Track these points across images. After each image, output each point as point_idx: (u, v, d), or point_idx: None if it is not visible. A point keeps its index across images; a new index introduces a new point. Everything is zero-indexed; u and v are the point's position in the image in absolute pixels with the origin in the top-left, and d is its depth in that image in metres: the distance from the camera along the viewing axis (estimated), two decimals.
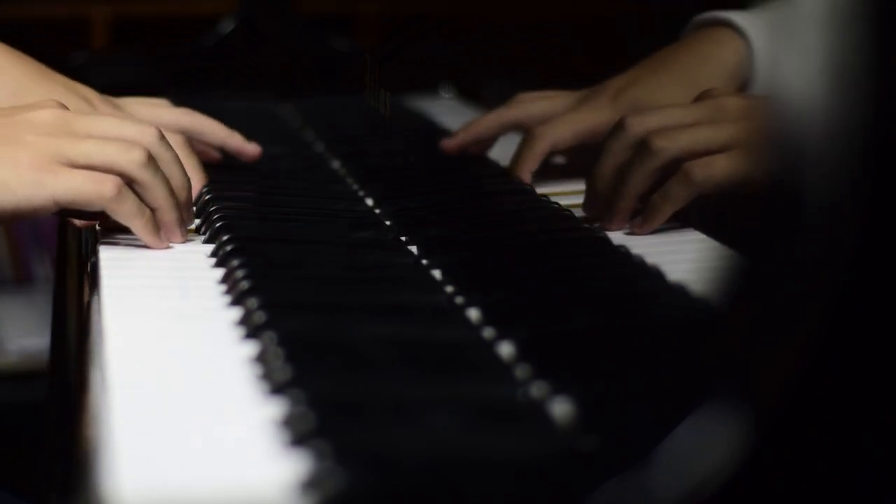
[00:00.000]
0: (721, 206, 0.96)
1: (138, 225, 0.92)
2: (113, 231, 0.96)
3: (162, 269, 0.91)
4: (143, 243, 0.95)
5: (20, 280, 2.33)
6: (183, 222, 0.95)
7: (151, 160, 0.92)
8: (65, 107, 0.94)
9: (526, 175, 1.12)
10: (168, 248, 0.94)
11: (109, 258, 0.91)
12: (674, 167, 0.96)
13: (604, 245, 0.95)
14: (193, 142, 1.14)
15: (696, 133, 0.96)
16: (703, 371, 0.52)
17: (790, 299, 0.50)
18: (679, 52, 1.17)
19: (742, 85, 1.14)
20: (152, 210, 0.93)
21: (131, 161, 0.91)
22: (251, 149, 1.18)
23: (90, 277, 0.91)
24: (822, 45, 0.50)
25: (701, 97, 1.02)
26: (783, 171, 0.51)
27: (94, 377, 0.71)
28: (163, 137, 0.95)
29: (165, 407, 0.66)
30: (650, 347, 0.69)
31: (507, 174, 1.15)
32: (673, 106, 1.02)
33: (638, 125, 0.98)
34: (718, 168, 0.94)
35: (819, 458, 0.51)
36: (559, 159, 1.20)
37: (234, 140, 1.18)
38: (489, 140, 1.22)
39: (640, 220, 0.98)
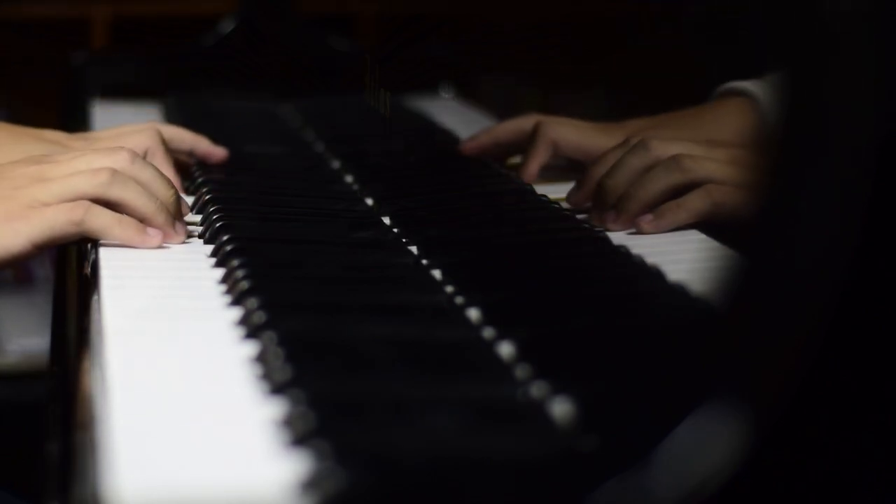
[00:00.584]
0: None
1: (118, 233, 0.93)
2: None
3: (162, 269, 0.91)
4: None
5: (20, 280, 2.33)
6: (175, 223, 0.96)
7: (118, 176, 0.94)
8: (41, 159, 0.97)
9: (534, 168, 1.13)
10: (163, 247, 0.94)
11: (109, 258, 0.91)
12: (692, 187, 0.97)
13: (604, 245, 0.95)
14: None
15: (720, 166, 0.98)
16: (703, 371, 0.52)
17: (790, 299, 0.50)
18: (701, 114, 1.19)
19: None
20: (142, 220, 0.94)
21: (98, 185, 0.93)
22: (218, 152, 1.21)
23: (90, 277, 0.91)
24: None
25: (717, 143, 1.04)
26: (783, 171, 0.51)
27: (94, 377, 0.71)
28: (135, 157, 0.97)
29: (165, 407, 0.65)
30: (650, 347, 0.69)
31: (506, 174, 1.15)
32: (695, 141, 1.04)
33: (662, 147, 1.00)
34: (737, 199, 0.96)
35: (819, 458, 0.51)
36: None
37: (201, 145, 1.21)
38: (505, 146, 1.22)
39: (651, 218, 0.98)
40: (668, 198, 0.98)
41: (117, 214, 0.94)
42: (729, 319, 0.52)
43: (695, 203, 0.97)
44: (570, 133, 1.13)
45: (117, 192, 0.94)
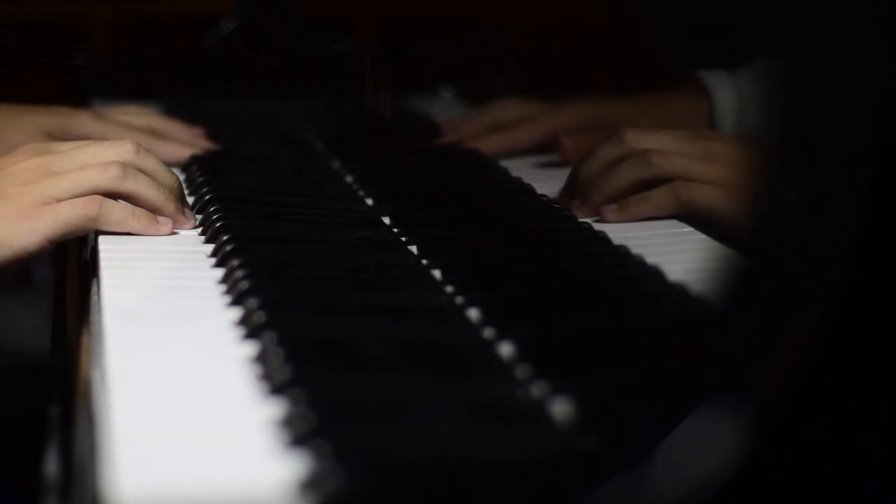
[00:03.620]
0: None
1: (133, 225, 0.96)
2: (113, 232, 0.96)
3: (162, 268, 0.91)
4: (143, 243, 0.95)
5: (20, 280, 2.33)
6: (184, 209, 0.99)
7: (128, 169, 0.96)
8: (41, 149, 0.98)
9: (466, 139, 1.19)
10: (163, 247, 0.95)
11: (109, 258, 0.91)
12: (659, 183, 0.98)
13: (604, 245, 0.95)
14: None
15: (689, 162, 0.99)
16: (703, 371, 0.52)
17: (790, 299, 0.50)
18: (659, 101, 1.21)
19: None
20: (152, 210, 0.97)
21: (110, 179, 0.95)
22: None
23: (90, 277, 0.91)
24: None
25: (695, 136, 1.05)
26: (781, 170, 0.51)
27: (94, 377, 0.71)
28: (139, 148, 0.99)
29: (165, 407, 0.66)
30: (650, 347, 0.69)
31: (507, 174, 1.15)
32: (672, 133, 1.05)
33: (636, 141, 1.01)
34: (705, 196, 0.97)
35: (819, 458, 0.51)
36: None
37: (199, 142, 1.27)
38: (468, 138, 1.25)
39: (615, 208, 1.00)
40: (633, 191, 1.00)
41: (130, 206, 0.96)
42: (729, 319, 0.52)
43: (660, 198, 0.99)
44: (529, 133, 1.18)
45: (130, 186, 0.96)
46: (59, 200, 0.94)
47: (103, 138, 1.17)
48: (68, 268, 1.05)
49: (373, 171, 1.22)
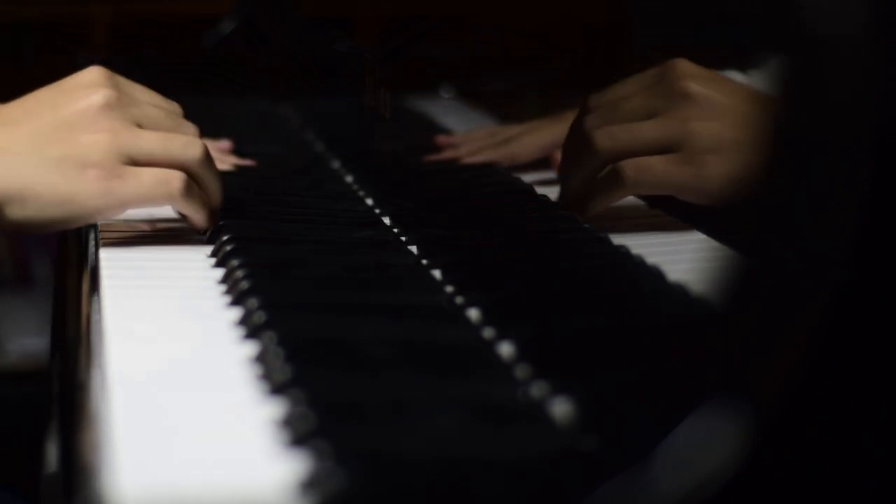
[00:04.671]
0: (720, 206, 0.96)
1: (200, 217, 0.93)
2: (113, 231, 0.96)
3: (162, 269, 0.91)
4: (143, 243, 0.95)
5: (20, 280, 2.33)
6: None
7: (209, 156, 0.93)
8: (111, 79, 0.93)
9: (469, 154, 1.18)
10: (163, 247, 0.95)
11: (109, 258, 0.91)
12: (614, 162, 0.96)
13: (604, 245, 0.95)
14: None
15: (636, 134, 0.96)
16: (703, 371, 0.52)
17: (790, 299, 0.50)
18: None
19: None
20: (206, 199, 0.94)
21: (194, 158, 0.92)
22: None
23: (90, 277, 0.91)
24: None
25: (664, 72, 1.00)
26: (782, 171, 0.51)
27: (94, 377, 0.71)
28: (209, 156, 0.95)
29: (165, 407, 0.66)
30: (650, 347, 0.69)
31: (507, 174, 1.15)
32: (630, 95, 1.01)
33: (588, 123, 0.98)
34: (653, 171, 0.94)
35: (819, 458, 0.51)
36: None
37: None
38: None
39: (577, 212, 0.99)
40: (590, 177, 0.98)
41: (203, 197, 0.93)
42: (729, 319, 0.52)
43: (604, 187, 0.96)
44: (529, 146, 1.16)
45: (206, 174, 0.93)
46: (136, 161, 0.89)
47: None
48: (68, 268, 1.05)
49: (373, 171, 1.22)
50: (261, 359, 0.70)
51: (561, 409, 0.64)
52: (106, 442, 0.60)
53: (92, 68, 0.94)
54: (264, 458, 0.59)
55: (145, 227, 0.99)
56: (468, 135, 1.25)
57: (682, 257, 0.90)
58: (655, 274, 0.85)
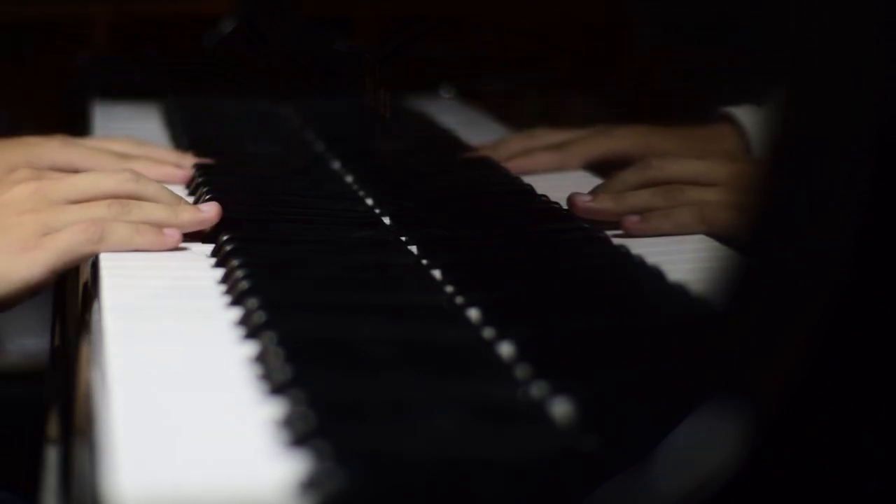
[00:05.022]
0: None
1: (139, 242, 0.93)
2: None
3: (162, 269, 0.91)
4: None
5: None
6: (199, 208, 0.96)
7: (130, 203, 0.93)
8: (37, 174, 0.95)
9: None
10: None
11: (109, 258, 0.91)
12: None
13: (604, 245, 0.95)
14: None
15: (709, 192, 0.97)
16: (703, 371, 0.52)
17: (790, 299, 0.50)
18: (694, 133, 1.20)
19: None
20: (171, 218, 0.94)
21: (116, 215, 0.92)
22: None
23: (90, 278, 0.91)
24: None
25: (720, 162, 1.03)
26: (781, 170, 0.51)
27: (94, 377, 0.71)
28: (138, 176, 0.96)
29: (165, 407, 0.66)
30: (650, 347, 0.69)
31: (507, 174, 1.15)
32: (697, 161, 1.04)
33: (660, 168, 0.99)
34: (726, 220, 0.96)
35: (819, 458, 0.51)
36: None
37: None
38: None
39: (637, 220, 0.98)
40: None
41: (132, 224, 0.93)
42: (729, 319, 0.52)
43: (683, 217, 0.97)
44: (574, 155, 1.16)
45: (137, 217, 0.93)
46: (59, 231, 0.91)
47: (72, 166, 1.11)
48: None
49: (373, 171, 1.22)
50: (261, 359, 0.70)
51: (561, 409, 0.64)
52: (106, 442, 0.60)
53: (20, 169, 0.97)
54: (264, 458, 0.59)
55: None
56: (508, 140, 1.24)
57: (682, 257, 0.90)
58: (655, 274, 0.85)
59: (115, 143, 1.21)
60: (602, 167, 1.03)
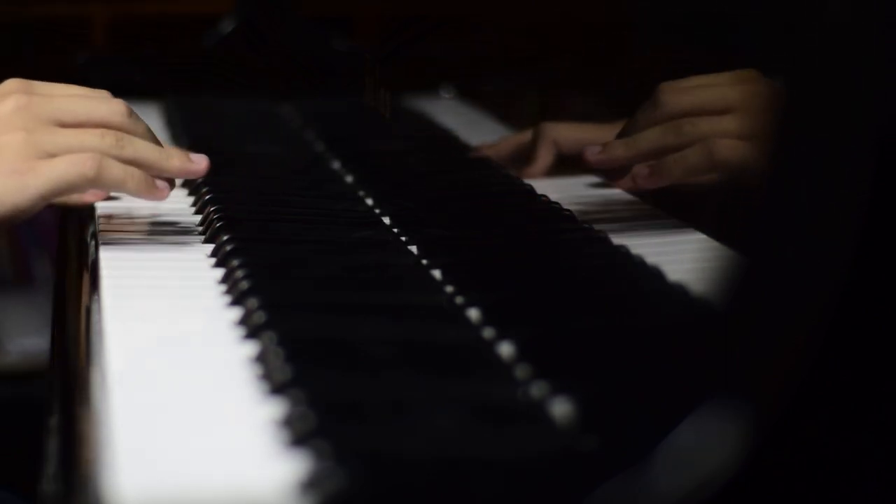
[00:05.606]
0: (720, 204, 0.96)
1: (131, 186, 0.90)
2: (113, 231, 0.96)
3: (162, 268, 0.91)
4: (143, 243, 0.95)
5: (20, 280, 2.33)
6: (189, 156, 0.94)
7: (125, 136, 0.91)
8: (25, 89, 0.92)
9: (538, 169, 1.14)
10: (163, 247, 0.94)
11: (109, 258, 0.91)
12: (683, 134, 0.95)
13: (604, 245, 0.95)
14: None
15: (721, 121, 0.94)
16: (703, 371, 0.52)
17: (790, 299, 0.50)
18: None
19: None
20: (156, 172, 0.91)
21: (110, 145, 0.89)
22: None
23: (90, 277, 0.91)
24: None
25: (731, 81, 1.00)
26: (781, 170, 0.51)
27: (94, 377, 0.71)
28: (132, 111, 0.93)
29: (165, 407, 0.66)
30: (650, 347, 0.69)
31: (507, 174, 1.15)
32: (709, 87, 1.00)
33: (669, 104, 0.96)
34: (738, 154, 0.93)
35: (819, 458, 0.51)
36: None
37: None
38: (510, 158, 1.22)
39: (647, 172, 0.96)
40: (660, 147, 0.96)
41: (129, 168, 0.90)
42: (729, 319, 0.52)
43: (694, 159, 0.94)
44: (571, 131, 1.13)
45: (129, 152, 0.90)
46: (51, 155, 0.88)
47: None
48: (68, 268, 1.05)
49: (373, 171, 1.22)
50: (261, 359, 0.70)
51: (561, 409, 0.64)
52: (106, 442, 0.60)
53: (8, 80, 0.93)
54: (264, 458, 0.59)
55: (146, 227, 0.99)
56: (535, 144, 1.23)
57: (682, 257, 0.90)
58: (655, 274, 0.85)
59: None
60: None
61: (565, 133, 1.13)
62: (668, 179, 0.95)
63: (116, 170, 0.89)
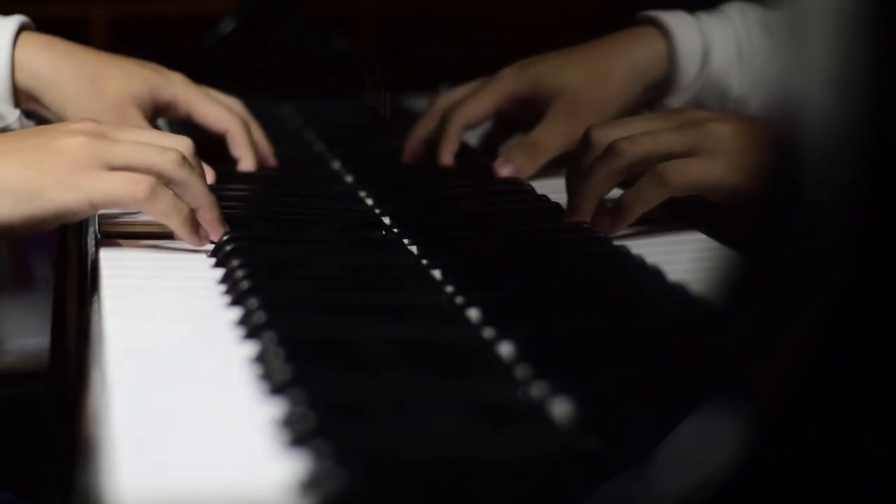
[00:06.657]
0: (721, 206, 0.96)
1: (176, 223, 0.91)
2: (113, 232, 0.96)
3: (162, 269, 0.91)
4: (143, 243, 0.95)
5: (20, 280, 2.33)
6: (223, 220, 0.94)
7: (186, 161, 0.92)
8: (98, 129, 0.94)
9: (447, 157, 1.18)
10: (163, 247, 0.94)
11: (109, 258, 0.91)
12: (637, 170, 0.96)
13: (604, 245, 0.95)
14: None
15: (658, 137, 0.96)
16: (703, 371, 0.52)
17: (790, 299, 0.50)
18: (595, 44, 1.20)
19: (656, 81, 1.17)
20: (194, 210, 0.93)
21: (168, 161, 0.91)
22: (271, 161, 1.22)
23: (90, 277, 0.91)
24: (824, 47, 0.50)
25: (663, 114, 1.04)
26: (783, 172, 0.51)
27: (94, 377, 0.71)
28: (194, 151, 0.95)
29: (165, 407, 0.66)
30: (650, 347, 0.69)
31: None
32: (637, 117, 1.05)
33: (603, 136, 0.98)
34: (690, 171, 0.95)
35: (819, 458, 0.51)
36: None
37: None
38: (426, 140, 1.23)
39: (609, 220, 0.97)
40: (616, 184, 0.98)
41: (179, 203, 0.91)
42: (729, 319, 0.52)
43: (648, 190, 0.96)
44: (473, 108, 1.17)
45: (183, 176, 0.92)
46: (111, 167, 0.90)
47: (189, 105, 1.17)
48: (68, 268, 1.05)
49: (373, 171, 1.22)
50: (261, 359, 0.70)
51: (561, 409, 0.64)
52: (106, 442, 0.60)
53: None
54: (264, 458, 0.59)
55: (146, 228, 0.99)
56: (422, 121, 1.24)
57: (682, 257, 0.90)
58: (655, 274, 0.85)
59: (226, 98, 1.22)
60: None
61: (469, 111, 1.17)
62: (632, 216, 0.97)
63: (167, 200, 0.91)
